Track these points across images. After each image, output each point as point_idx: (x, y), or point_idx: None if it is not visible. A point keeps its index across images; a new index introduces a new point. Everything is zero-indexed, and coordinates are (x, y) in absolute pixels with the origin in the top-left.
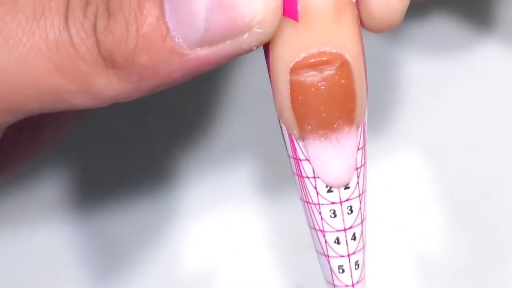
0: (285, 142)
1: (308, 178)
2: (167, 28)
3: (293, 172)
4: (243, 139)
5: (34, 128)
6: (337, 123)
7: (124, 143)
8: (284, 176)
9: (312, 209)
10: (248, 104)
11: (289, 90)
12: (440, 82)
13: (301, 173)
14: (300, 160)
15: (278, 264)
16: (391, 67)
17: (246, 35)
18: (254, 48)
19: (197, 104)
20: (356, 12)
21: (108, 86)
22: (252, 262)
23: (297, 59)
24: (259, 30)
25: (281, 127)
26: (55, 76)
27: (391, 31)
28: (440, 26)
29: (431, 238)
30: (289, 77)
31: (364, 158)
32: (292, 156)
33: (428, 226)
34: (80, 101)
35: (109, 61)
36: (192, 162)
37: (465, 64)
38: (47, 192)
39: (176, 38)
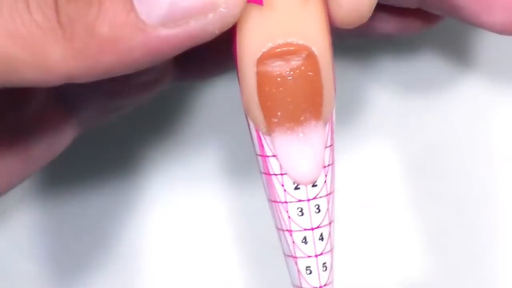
0: (252, 140)
1: (276, 175)
2: (131, 2)
3: (260, 171)
4: (211, 128)
5: (26, 146)
6: (304, 116)
7: (93, 131)
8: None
9: (279, 208)
10: (219, 92)
11: (256, 82)
12: (419, 116)
13: (268, 171)
14: (267, 156)
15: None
16: (368, 101)
17: (211, 15)
18: (217, 32)
19: (165, 91)
20: (323, 4)
21: (63, 60)
22: (216, 254)
23: (263, 50)
24: (224, 10)
25: (248, 124)
26: (8, 43)
27: (370, 66)
28: (421, 62)
29: (406, 242)
30: (256, 69)
31: (332, 158)
32: (259, 153)
33: (403, 230)
34: (33, 74)
35: (68, 30)
36: (161, 157)
37: (446, 97)
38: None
39: (139, 14)
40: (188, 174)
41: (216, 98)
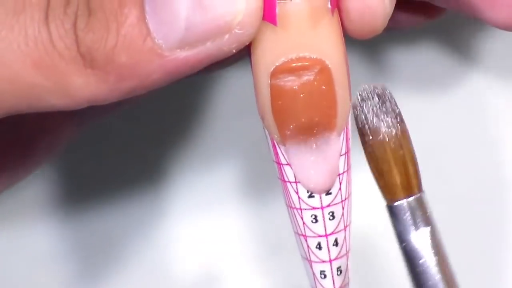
0: (268, 146)
1: (290, 182)
2: (147, 28)
3: (277, 177)
4: (233, 140)
5: (27, 144)
6: (316, 128)
7: (113, 144)
8: (272, 178)
9: (294, 213)
10: (239, 104)
11: (269, 94)
12: (425, 112)
13: (283, 178)
14: (282, 164)
15: (267, 266)
16: None
17: (227, 36)
18: (234, 50)
19: (187, 107)
20: (337, 18)
21: (85, 86)
22: (242, 264)
23: (276, 64)
24: (239, 31)
25: (264, 131)
26: (32, 72)
27: (378, 60)
28: (426, 58)
29: None
30: (269, 81)
31: (348, 165)
32: (274, 160)
33: None
34: (56, 100)
35: (88, 59)
36: (181, 162)
37: (450, 94)
38: (39, 191)
39: (156, 39)
40: (208, 184)
41: (235, 102)
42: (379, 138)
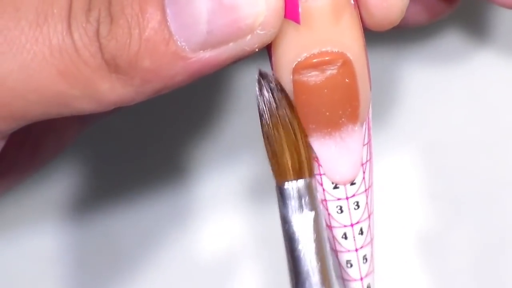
0: None
1: (314, 175)
2: (170, 31)
3: None
4: (248, 139)
5: (35, 142)
6: (341, 121)
7: (124, 146)
8: None
9: None
10: (250, 106)
11: (292, 90)
12: (439, 88)
13: None
14: None
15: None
16: (391, 74)
17: (249, 37)
18: (256, 50)
19: (202, 107)
20: (356, 11)
21: (112, 91)
22: (250, 262)
23: (299, 59)
24: (261, 32)
25: None
26: (59, 81)
27: (392, 39)
28: (440, 35)
29: (423, 240)
30: (291, 77)
31: (370, 154)
32: None
33: (420, 227)
34: (84, 105)
35: (112, 66)
36: (193, 164)
37: (463, 71)
38: (53, 192)
39: (178, 42)
40: (218, 182)
41: (245, 102)
42: (274, 120)
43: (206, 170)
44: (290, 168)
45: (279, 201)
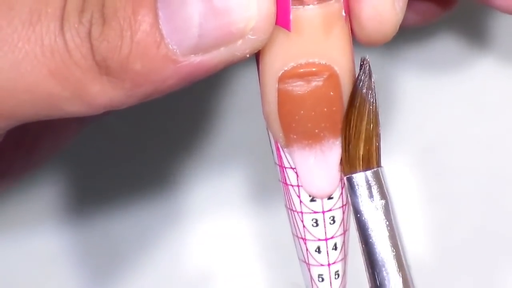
0: (272, 149)
1: (292, 186)
2: (161, 35)
3: (278, 179)
4: (241, 144)
5: (32, 142)
6: (322, 134)
7: (122, 148)
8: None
9: (295, 216)
10: (246, 108)
11: (276, 99)
12: (436, 92)
13: (285, 181)
14: (285, 167)
15: (275, 263)
16: (389, 78)
17: (240, 41)
18: (248, 55)
19: (195, 110)
20: (347, 25)
21: (102, 93)
22: (249, 263)
23: (286, 68)
24: (252, 37)
25: (268, 134)
26: (50, 81)
27: (390, 43)
28: (438, 42)
29: (421, 242)
30: (277, 86)
31: None
32: (277, 163)
33: (418, 230)
34: (74, 107)
35: (103, 68)
36: (190, 166)
37: (461, 75)
38: (49, 193)
39: (170, 45)
40: (221, 194)
41: (237, 105)
42: (362, 108)
43: (205, 171)
44: (361, 157)
45: (348, 190)
